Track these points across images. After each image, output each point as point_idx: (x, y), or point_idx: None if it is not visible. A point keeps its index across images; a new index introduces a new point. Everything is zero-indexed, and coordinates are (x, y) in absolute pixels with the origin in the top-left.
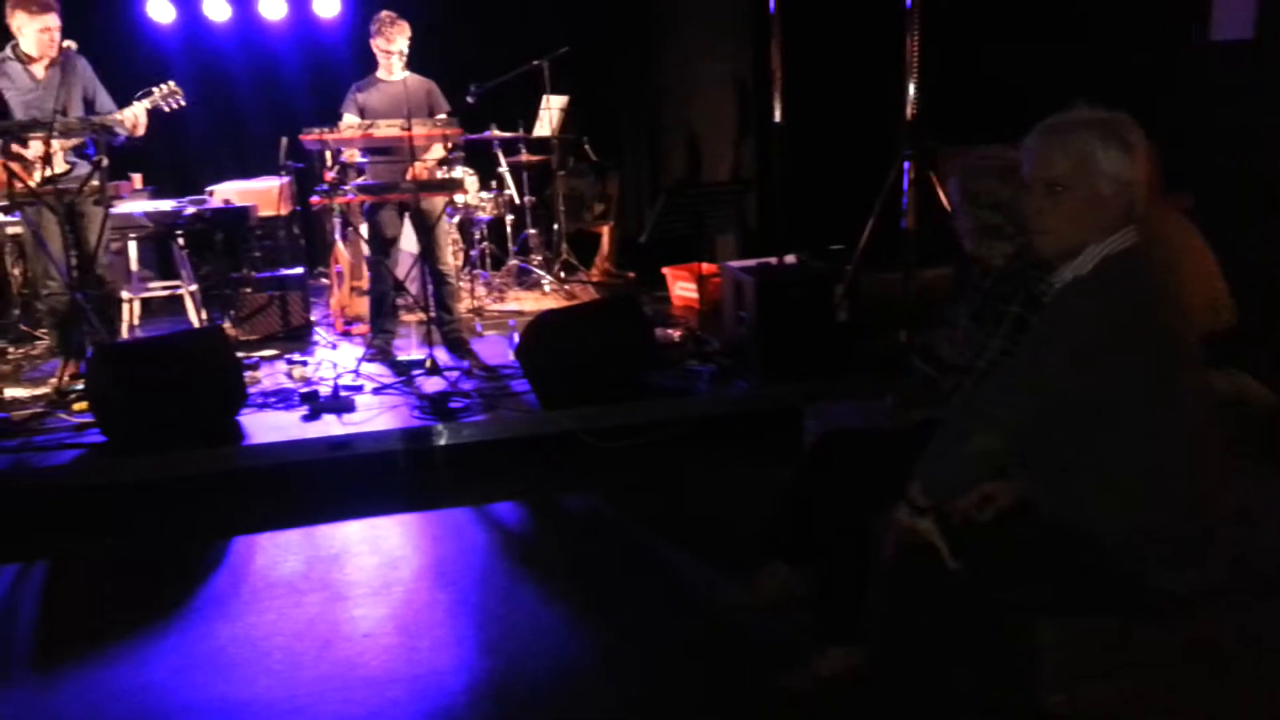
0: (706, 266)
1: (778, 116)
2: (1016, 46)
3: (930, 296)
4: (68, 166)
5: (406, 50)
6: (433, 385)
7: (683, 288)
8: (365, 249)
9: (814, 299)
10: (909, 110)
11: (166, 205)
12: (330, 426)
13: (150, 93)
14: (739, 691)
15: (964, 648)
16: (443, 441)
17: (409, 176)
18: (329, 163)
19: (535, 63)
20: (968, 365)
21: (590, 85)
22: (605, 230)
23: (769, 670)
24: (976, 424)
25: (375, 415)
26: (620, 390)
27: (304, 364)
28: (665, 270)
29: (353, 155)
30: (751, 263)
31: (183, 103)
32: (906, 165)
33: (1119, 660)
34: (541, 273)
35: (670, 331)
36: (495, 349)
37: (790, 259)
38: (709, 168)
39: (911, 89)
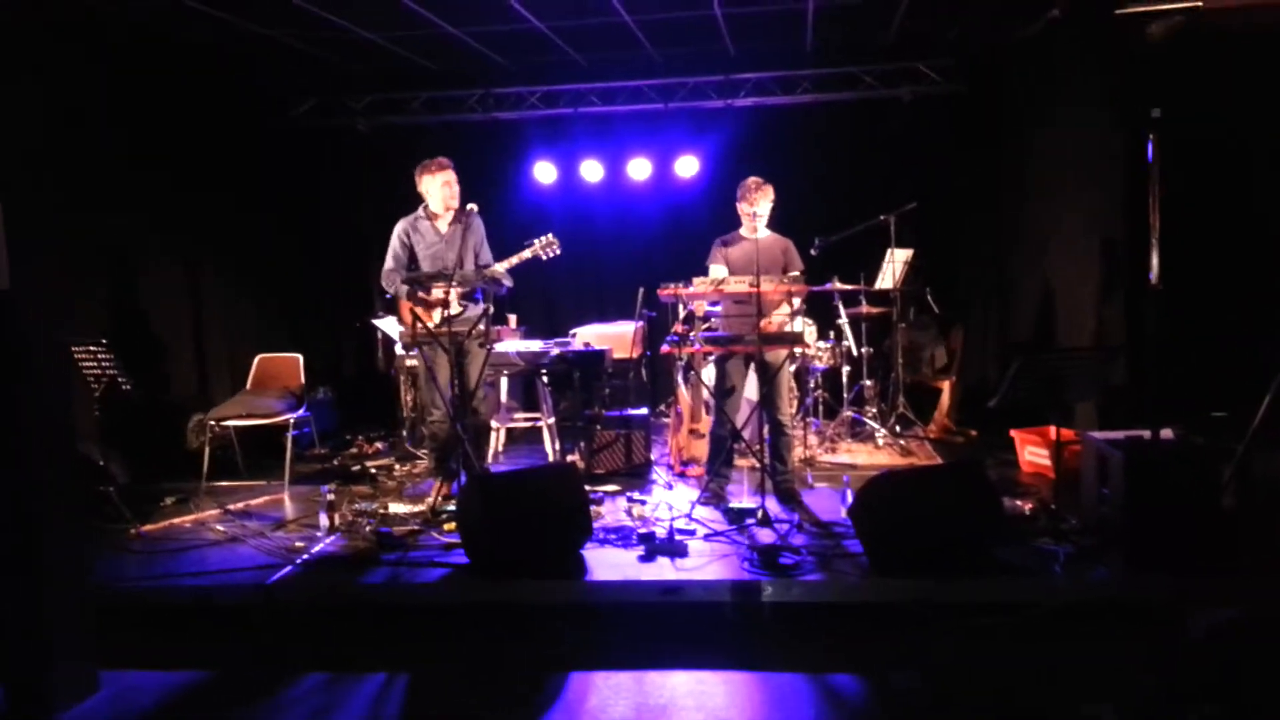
0: (1063, 432)
1: (1154, 277)
2: None
3: None
4: (461, 309)
5: (767, 213)
6: (764, 536)
7: (1033, 453)
8: (705, 393)
9: (1195, 480)
10: None
11: (535, 345)
12: (664, 569)
13: (533, 243)
14: None
15: None
16: (771, 598)
17: (757, 329)
18: (680, 314)
19: (882, 218)
20: None
21: (937, 236)
22: (946, 385)
23: None
24: None
25: (706, 563)
26: (962, 563)
27: (642, 503)
28: (1014, 433)
29: (699, 307)
30: (1118, 434)
31: (558, 252)
32: None
33: None
34: (876, 425)
35: (1020, 502)
36: (826, 503)
37: (1166, 432)
38: (1065, 328)
39: None
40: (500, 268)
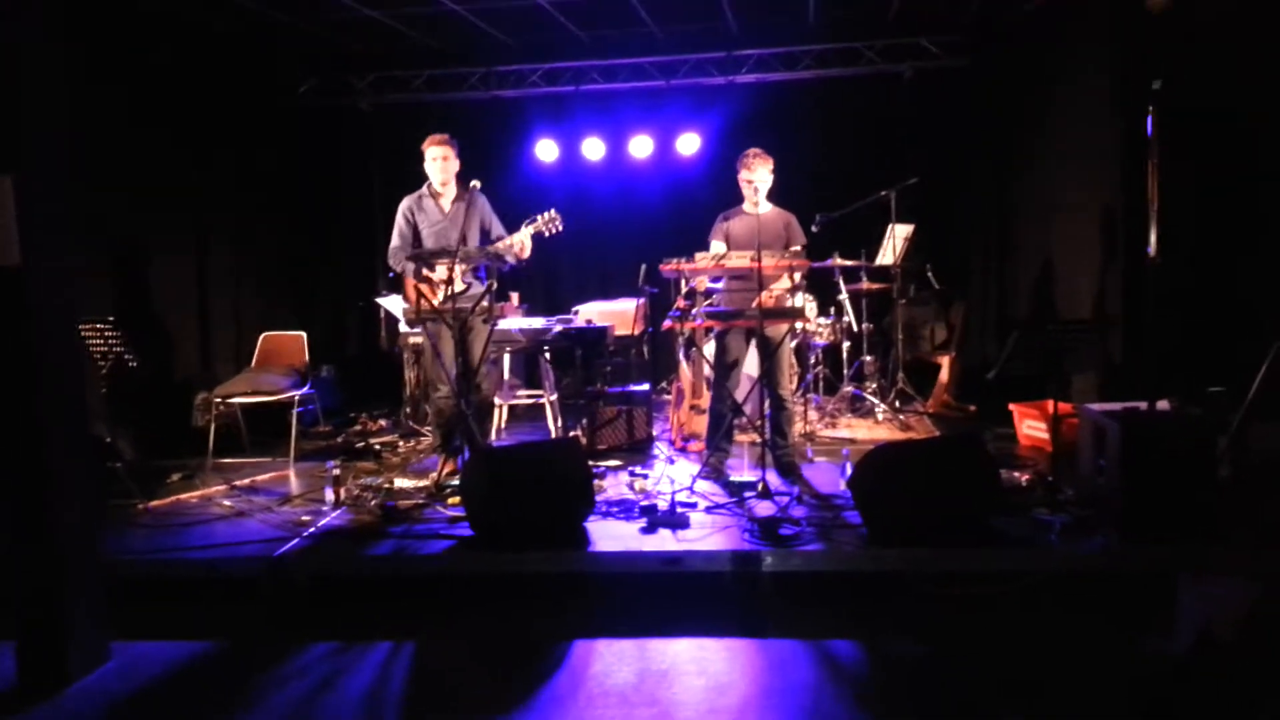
0: (1061, 406)
1: (1152, 249)
2: None
3: None
4: (465, 286)
5: (767, 184)
6: (763, 509)
7: (1031, 426)
8: (706, 369)
9: (1191, 451)
10: None
11: (538, 323)
12: (665, 541)
13: (535, 219)
14: None
15: None
16: (771, 568)
17: (756, 304)
18: (682, 289)
19: (883, 193)
20: None
21: (938, 212)
22: (945, 360)
23: None
24: None
25: (707, 534)
26: (959, 534)
27: (644, 477)
28: (1013, 407)
29: (701, 282)
30: (1116, 406)
31: (561, 228)
32: None
33: None
34: (875, 401)
35: (1017, 474)
36: (826, 476)
37: (1163, 405)
38: (1064, 301)
39: None
40: (504, 244)
